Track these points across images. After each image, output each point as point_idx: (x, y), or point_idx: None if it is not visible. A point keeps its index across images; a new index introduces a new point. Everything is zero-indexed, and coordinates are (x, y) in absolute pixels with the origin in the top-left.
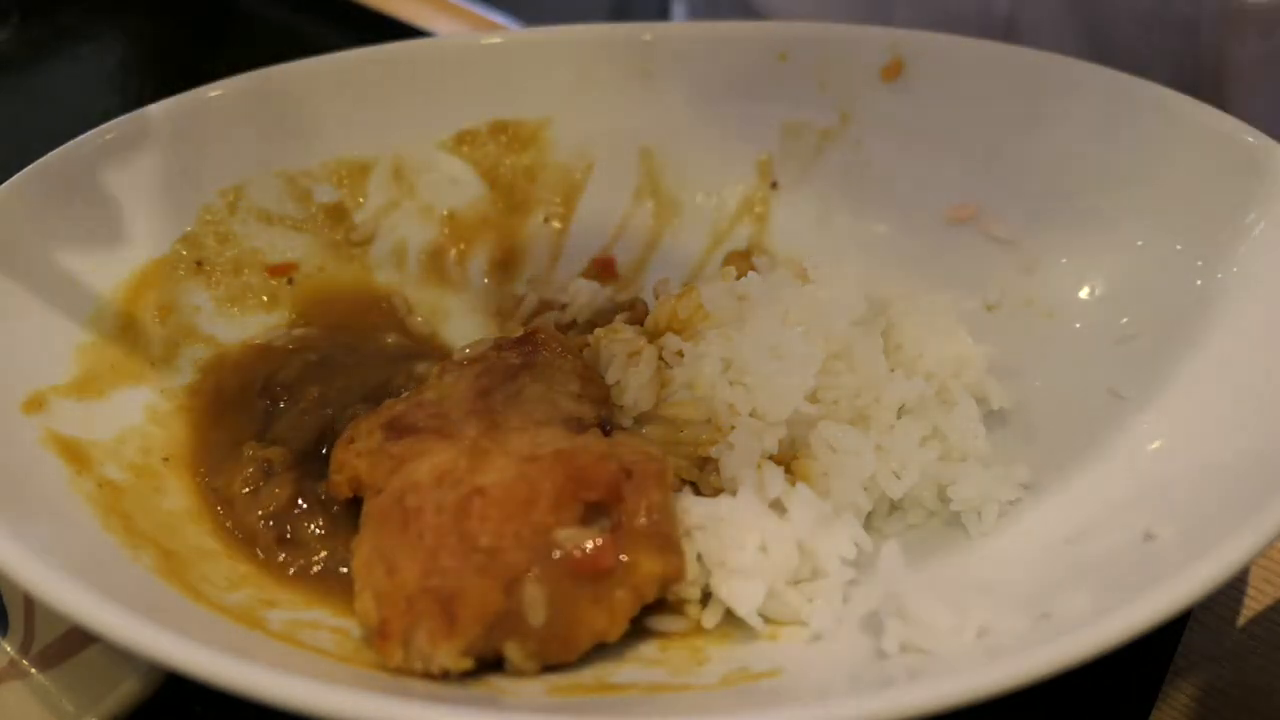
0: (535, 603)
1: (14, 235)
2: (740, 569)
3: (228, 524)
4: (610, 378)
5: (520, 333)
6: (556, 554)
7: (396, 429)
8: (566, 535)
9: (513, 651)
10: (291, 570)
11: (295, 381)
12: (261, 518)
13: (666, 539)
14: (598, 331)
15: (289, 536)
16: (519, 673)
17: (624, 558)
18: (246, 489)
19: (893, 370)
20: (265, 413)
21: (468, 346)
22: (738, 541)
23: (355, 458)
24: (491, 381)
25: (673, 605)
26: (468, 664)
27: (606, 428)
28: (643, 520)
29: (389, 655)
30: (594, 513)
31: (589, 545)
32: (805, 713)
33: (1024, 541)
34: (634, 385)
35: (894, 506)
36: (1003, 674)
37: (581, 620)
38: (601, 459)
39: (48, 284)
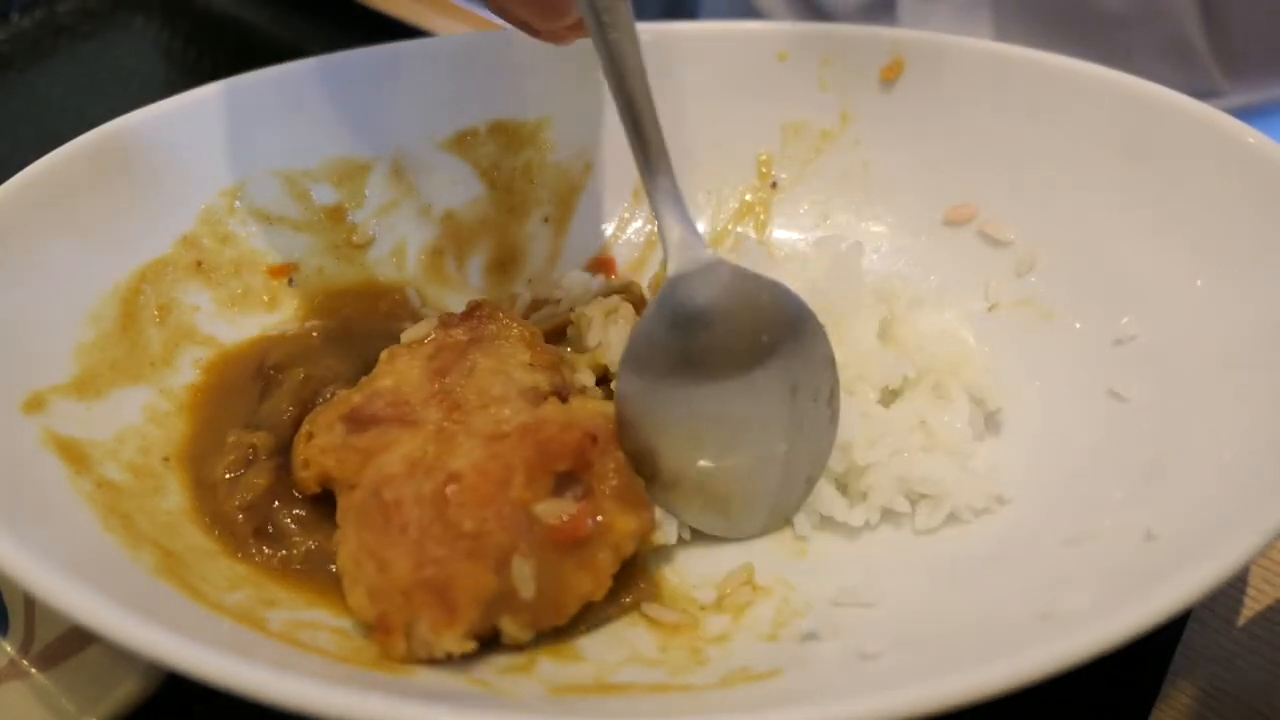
0: (524, 577)
1: (14, 234)
2: None
3: (205, 518)
4: (591, 341)
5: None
6: (537, 528)
7: (358, 420)
8: (544, 508)
9: (508, 625)
10: (273, 563)
11: (286, 362)
12: (239, 508)
13: (636, 496)
14: (576, 308)
15: (269, 528)
16: (515, 643)
17: (599, 518)
18: (228, 476)
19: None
20: (259, 397)
21: (413, 328)
22: None
23: (320, 454)
24: (444, 362)
25: (674, 602)
26: (471, 646)
27: (563, 394)
28: (613, 481)
29: (392, 648)
30: (565, 481)
31: (565, 515)
32: (805, 713)
33: (1024, 542)
34: (615, 341)
35: (885, 511)
36: (1003, 674)
37: (569, 585)
38: (566, 428)
39: (47, 283)
